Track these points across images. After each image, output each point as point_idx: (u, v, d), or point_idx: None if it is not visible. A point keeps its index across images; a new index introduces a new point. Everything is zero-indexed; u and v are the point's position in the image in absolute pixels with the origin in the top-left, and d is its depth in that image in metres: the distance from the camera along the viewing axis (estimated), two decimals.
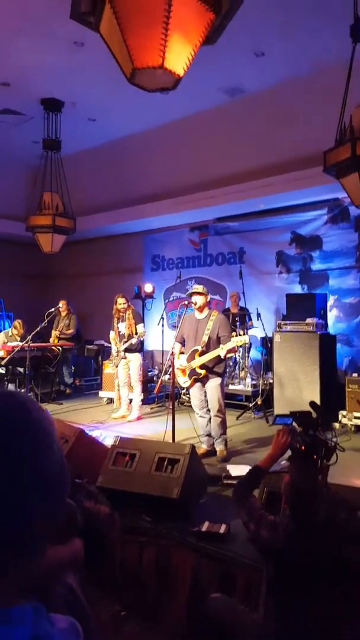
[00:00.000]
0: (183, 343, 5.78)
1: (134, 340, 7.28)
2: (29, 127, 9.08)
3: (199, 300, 5.60)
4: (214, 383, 5.53)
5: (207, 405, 5.63)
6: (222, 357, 5.41)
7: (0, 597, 0.65)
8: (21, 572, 0.68)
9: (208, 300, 5.70)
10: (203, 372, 5.47)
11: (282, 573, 2.24)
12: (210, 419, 5.64)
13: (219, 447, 5.58)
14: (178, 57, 2.63)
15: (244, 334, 5.59)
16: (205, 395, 5.61)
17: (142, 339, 7.49)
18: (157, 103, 7.71)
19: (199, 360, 5.45)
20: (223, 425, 5.59)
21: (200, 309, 5.64)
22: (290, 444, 2.71)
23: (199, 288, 5.69)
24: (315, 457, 2.66)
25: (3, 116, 8.74)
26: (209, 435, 5.71)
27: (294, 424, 2.89)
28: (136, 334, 7.33)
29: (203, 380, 5.57)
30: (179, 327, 5.75)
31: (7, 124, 9.04)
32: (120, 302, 7.46)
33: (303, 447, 2.66)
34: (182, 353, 5.73)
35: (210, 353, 5.41)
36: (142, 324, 7.53)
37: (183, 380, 5.70)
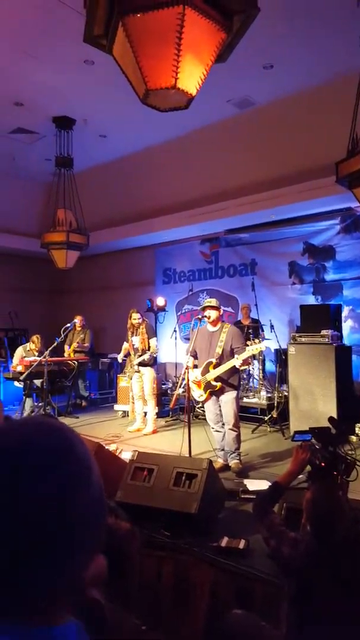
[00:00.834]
0: (196, 357, 5.77)
1: (146, 357, 7.34)
2: (41, 145, 9.21)
3: (212, 314, 5.59)
4: (228, 397, 5.51)
5: (222, 420, 5.61)
6: (238, 367, 5.38)
7: (50, 617, 0.68)
8: (67, 595, 0.71)
9: (221, 313, 5.70)
10: (218, 384, 5.45)
11: (304, 590, 2.23)
12: (225, 433, 5.62)
13: (233, 461, 5.55)
14: (190, 77, 2.67)
15: (259, 342, 5.55)
16: (220, 409, 5.59)
17: (154, 355, 7.53)
18: (166, 118, 7.71)
19: (214, 373, 5.44)
20: (238, 439, 5.56)
21: (214, 323, 5.63)
22: (310, 460, 2.70)
23: (212, 301, 5.67)
24: (335, 473, 2.65)
25: (16, 135, 8.87)
26: (224, 449, 5.69)
27: (313, 440, 2.88)
28: (149, 349, 7.37)
29: (218, 394, 5.55)
30: (192, 341, 5.73)
31: (20, 142, 9.18)
32: (135, 317, 7.53)
33: (323, 464, 2.65)
34: (195, 367, 5.72)
35: (225, 364, 5.39)
36: (155, 338, 7.57)
37: (198, 394, 5.67)
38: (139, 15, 2.57)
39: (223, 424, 5.62)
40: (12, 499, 0.65)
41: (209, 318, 5.61)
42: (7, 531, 0.64)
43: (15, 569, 0.64)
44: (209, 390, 5.54)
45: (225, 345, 5.47)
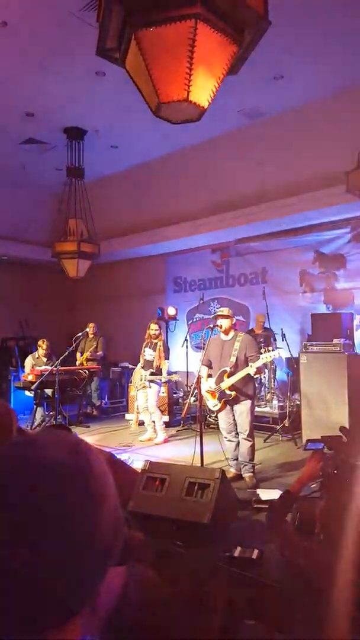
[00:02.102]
0: (210, 366, 5.75)
1: (163, 378, 7.52)
2: (52, 156, 9.31)
3: (224, 323, 5.59)
4: (244, 407, 5.47)
5: (236, 429, 5.58)
6: (252, 375, 5.35)
7: (66, 632, 0.68)
8: (84, 610, 0.71)
9: (233, 322, 5.68)
10: (233, 393, 5.42)
11: (319, 601, 2.21)
12: (238, 442, 5.59)
13: (247, 475, 5.49)
14: (202, 89, 2.69)
15: (272, 350, 5.52)
16: (234, 419, 5.56)
17: (164, 380, 7.71)
18: (177, 128, 7.72)
19: (228, 382, 5.41)
20: (252, 450, 5.51)
21: (226, 332, 5.62)
22: (322, 468, 2.69)
23: (224, 311, 5.66)
24: (347, 480, 2.63)
25: (28, 145, 8.97)
26: (237, 459, 5.66)
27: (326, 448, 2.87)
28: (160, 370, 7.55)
29: (232, 403, 5.52)
30: (205, 351, 5.71)
31: (31, 152, 9.27)
32: (153, 328, 7.61)
33: (336, 472, 2.63)
34: (209, 376, 5.69)
35: (240, 373, 5.36)
36: (167, 361, 7.67)
37: (213, 404, 5.62)
38: (151, 29, 2.60)
39: (236, 434, 5.58)
40: (31, 520, 0.65)
41: (220, 327, 5.61)
42: (25, 549, 0.64)
43: (33, 587, 0.64)
44: (223, 400, 5.50)
45: (240, 354, 5.45)
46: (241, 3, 2.52)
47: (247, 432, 5.45)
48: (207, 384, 5.61)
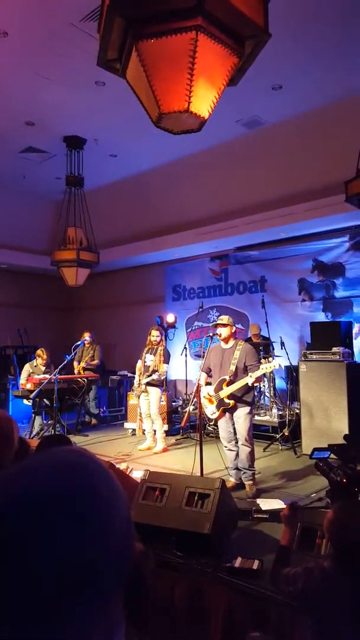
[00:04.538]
0: (209, 373, 5.74)
1: (154, 376, 7.38)
2: (52, 164, 9.34)
3: (223, 331, 5.59)
4: (242, 412, 5.44)
5: (236, 438, 5.55)
6: (250, 384, 5.33)
7: None
8: (96, 635, 0.70)
9: (233, 330, 5.66)
10: (231, 402, 5.40)
11: (330, 618, 2.16)
12: (238, 452, 5.56)
13: (247, 482, 5.46)
14: (203, 100, 2.71)
15: (272, 360, 5.50)
16: (234, 427, 5.53)
17: (162, 377, 7.56)
18: (176, 137, 7.76)
19: (227, 390, 5.39)
20: (251, 456, 5.48)
21: (226, 340, 5.61)
22: (330, 477, 2.67)
23: (224, 319, 5.65)
24: (357, 489, 2.62)
25: (27, 154, 9.00)
26: (237, 468, 5.63)
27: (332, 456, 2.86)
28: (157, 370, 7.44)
29: (231, 411, 5.50)
30: (205, 358, 5.70)
31: (31, 161, 9.30)
32: (154, 334, 7.59)
33: (345, 480, 2.61)
34: (208, 384, 5.68)
35: (238, 382, 5.34)
36: (167, 365, 7.59)
37: (210, 412, 5.60)
38: (152, 40, 2.61)
39: (236, 443, 5.56)
40: (35, 551, 0.62)
41: (220, 335, 5.61)
42: (33, 582, 0.61)
43: (46, 618, 0.62)
44: (222, 408, 5.48)
45: (239, 363, 5.43)
46: (242, 15, 2.53)
47: (245, 437, 5.42)
48: (206, 390, 5.61)
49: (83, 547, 0.65)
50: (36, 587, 0.62)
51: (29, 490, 0.66)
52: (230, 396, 5.41)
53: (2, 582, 0.61)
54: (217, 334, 5.63)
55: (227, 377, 5.44)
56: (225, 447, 5.69)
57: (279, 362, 5.47)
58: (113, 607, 0.72)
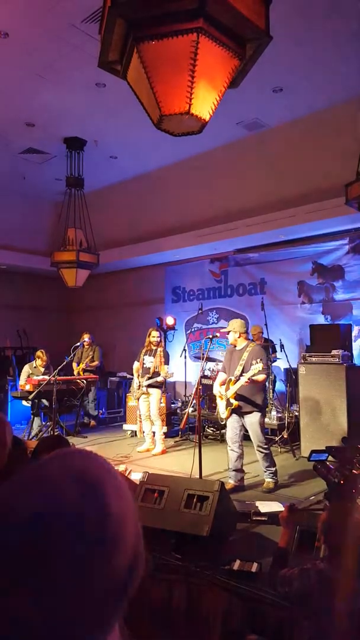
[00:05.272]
0: (225, 373, 5.93)
1: (159, 378, 7.37)
2: (52, 165, 9.34)
3: (229, 337, 5.84)
4: (253, 419, 5.58)
5: (240, 440, 5.67)
6: (244, 383, 5.44)
7: None
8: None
9: (238, 335, 5.79)
10: (235, 403, 5.54)
11: (324, 623, 2.16)
12: (240, 454, 5.68)
13: (266, 480, 5.62)
14: (204, 102, 2.71)
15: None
16: (241, 430, 5.67)
17: (167, 379, 7.55)
18: (177, 139, 7.75)
19: (231, 390, 5.57)
20: (268, 458, 5.61)
21: (234, 344, 5.80)
22: (327, 479, 2.67)
23: (229, 325, 5.88)
24: (354, 491, 2.62)
25: (27, 155, 9.00)
26: (236, 470, 5.66)
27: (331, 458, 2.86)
28: (159, 372, 7.41)
29: (239, 413, 5.62)
30: (224, 359, 6.02)
31: (31, 162, 9.30)
32: (154, 335, 7.58)
33: (342, 482, 2.62)
34: (223, 384, 5.83)
35: (238, 382, 5.49)
36: (168, 366, 7.57)
37: (222, 411, 5.77)
38: (154, 42, 2.61)
39: (240, 445, 5.68)
40: (38, 569, 0.60)
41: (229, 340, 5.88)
42: (36, 599, 0.59)
43: (37, 636, 0.60)
44: (229, 408, 5.62)
45: (246, 364, 5.57)
46: (243, 18, 2.53)
47: (258, 443, 5.56)
48: (217, 389, 5.81)
49: (92, 565, 0.63)
50: (36, 602, 0.60)
51: (40, 506, 0.63)
52: (238, 397, 5.54)
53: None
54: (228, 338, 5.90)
55: (233, 378, 5.59)
56: (229, 447, 5.76)
57: (258, 368, 5.49)
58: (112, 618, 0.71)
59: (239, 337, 5.77)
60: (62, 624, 0.61)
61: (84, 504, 0.64)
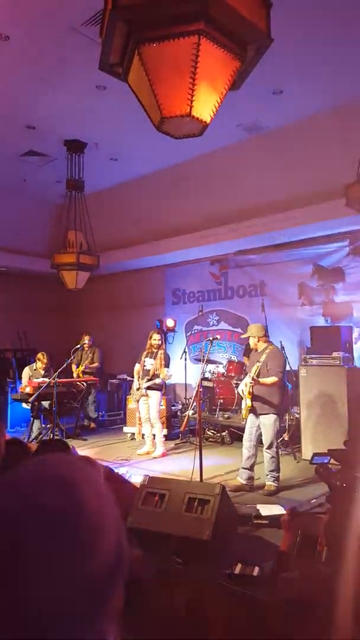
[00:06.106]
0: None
1: (158, 380, 7.36)
2: (52, 168, 9.34)
3: (250, 342, 6.17)
4: (267, 420, 5.71)
5: (254, 440, 5.81)
6: (250, 382, 5.64)
7: None
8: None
9: (257, 339, 6.01)
10: (249, 404, 5.72)
11: (326, 627, 2.15)
12: (252, 455, 5.79)
13: (267, 482, 5.68)
14: (205, 105, 2.70)
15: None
16: (257, 431, 5.80)
17: (165, 381, 7.55)
18: (177, 141, 7.76)
19: (245, 390, 5.76)
20: (274, 462, 5.69)
21: (256, 348, 6.04)
22: (329, 482, 2.66)
23: (248, 332, 6.15)
24: (356, 494, 2.60)
25: (28, 157, 8.99)
26: (247, 469, 5.75)
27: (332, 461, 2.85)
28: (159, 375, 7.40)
29: (256, 413, 5.76)
30: (249, 360, 6.34)
31: (31, 164, 9.29)
32: (156, 338, 7.59)
33: (344, 485, 2.60)
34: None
35: (245, 380, 5.79)
36: (168, 368, 7.57)
37: (244, 407, 5.95)
38: (155, 44, 2.61)
39: (254, 446, 5.80)
40: (12, 568, 0.60)
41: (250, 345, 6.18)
42: (7, 603, 0.59)
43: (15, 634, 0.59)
44: (246, 408, 5.81)
45: (262, 366, 5.75)
46: (244, 20, 2.53)
47: (267, 445, 5.67)
48: (241, 387, 6.01)
49: (73, 563, 0.62)
50: (15, 601, 0.60)
51: (14, 505, 0.64)
52: (253, 397, 5.70)
53: None
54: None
55: (249, 378, 5.80)
56: (244, 445, 5.89)
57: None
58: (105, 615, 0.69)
59: (258, 342, 5.99)
60: (43, 621, 0.60)
61: (58, 503, 0.64)
